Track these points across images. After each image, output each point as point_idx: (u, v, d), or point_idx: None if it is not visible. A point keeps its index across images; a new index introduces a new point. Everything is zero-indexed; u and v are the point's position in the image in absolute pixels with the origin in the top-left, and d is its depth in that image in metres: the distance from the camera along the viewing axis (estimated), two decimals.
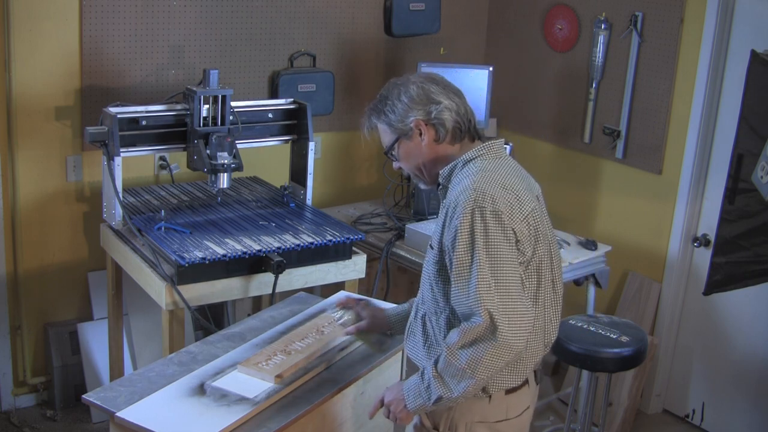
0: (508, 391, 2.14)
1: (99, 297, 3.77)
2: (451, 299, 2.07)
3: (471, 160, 2.15)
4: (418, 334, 2.23)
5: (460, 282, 2.02)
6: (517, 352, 2.00)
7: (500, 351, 1.98)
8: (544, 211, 2.19)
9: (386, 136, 2.23)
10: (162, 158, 3.82)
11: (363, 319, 2.58)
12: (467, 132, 2.19)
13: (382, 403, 2.21)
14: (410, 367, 2.35)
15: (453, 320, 2.11)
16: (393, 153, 2.23)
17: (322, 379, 2.36)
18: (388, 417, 2.19)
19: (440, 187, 2.22)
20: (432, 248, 2.14)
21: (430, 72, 2.30)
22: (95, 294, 3.79)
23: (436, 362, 2.06)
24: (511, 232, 2.02)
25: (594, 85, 4.19)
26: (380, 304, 2.81)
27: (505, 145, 2.25)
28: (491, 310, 1.97)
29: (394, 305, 2.61)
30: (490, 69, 4.09)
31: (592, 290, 3.81)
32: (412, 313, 2.30)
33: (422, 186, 2.30)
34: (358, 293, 3.14)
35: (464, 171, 2.13)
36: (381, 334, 2.59)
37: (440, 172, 2.19)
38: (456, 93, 2.20)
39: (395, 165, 2.27)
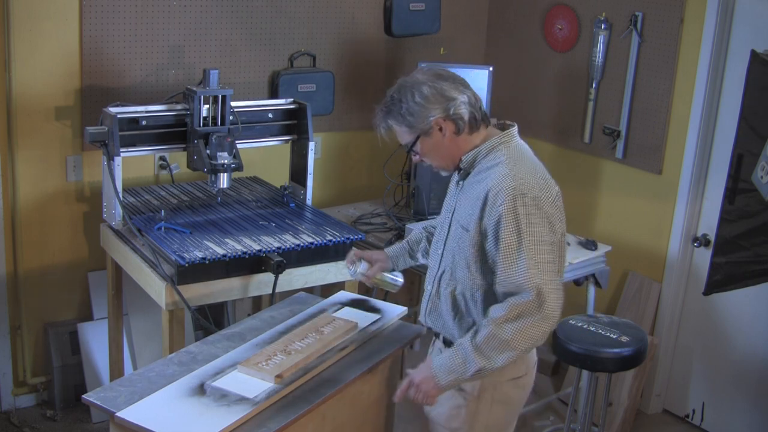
0: None
1: (99, 297, 3.77)
2: (498, 279, 2.22)
3: (494, 147, 2.31)
4: (445, 308, 2.39)
5: (507, 263, 2.19)
6: (556, 322, 2.21)
7: (544, 323, 2.18)
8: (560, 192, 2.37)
9: (405, 136, 2.34)
10: (162, 158, 3.82)
11: (374, 264, 2.69)
12: (482, 120, 2.33)
13: (409, 385, 2.30)
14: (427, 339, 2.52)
15: (488, 294, 2.29)
16: (414, 149, 2.35)
17: (322, 379, 2.36)
18: (415, 397, 2.29)
19: (460, 171, 2.37)
20: (467, 230, 2.29)
21: (433, 67, 2.40)
22: (95, 294, 3.79)
23: (473, 336, 2.20)
24: (545, 215, 2.22)
25: (594, 85, 4.19)
26: (379, 304, 2.83)
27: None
28: (540, 287, 2.16)
29: (391, 247, 2.76)
30: (490, 69, 4.09)
31: (592, 290, 3.81)
32: (431, 289, 2.45)
33: (443, 173, 2.44)
34: (358, 293, 3.14)
35: (490, 158, 2.30)
36: (393, 274, 2.72)
37: (462, 158, 2.33)
38: (464, 84, 2.33)
39: (416, 158, 2.40)
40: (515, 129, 2.37)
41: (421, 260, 2.73)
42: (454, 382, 2.25)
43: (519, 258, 2.18)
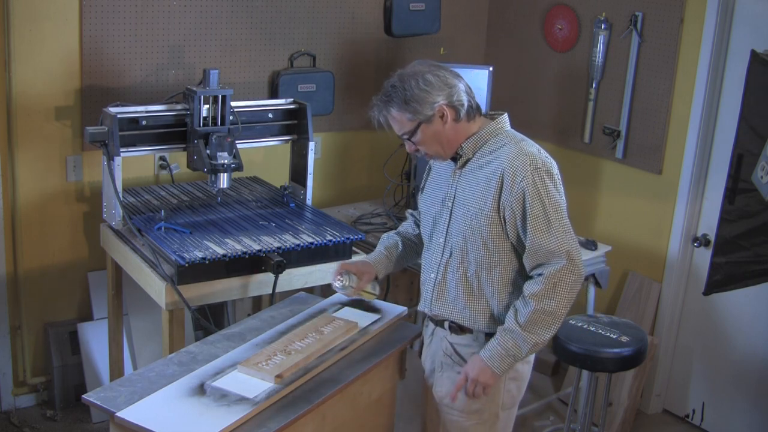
0: None
1: (99, 297, 3.77)
2: (529, 250, 2.33)
3: (495, 132, 2.42)
4: (454, 292, 2.46)
5: (538, 234, 2.31)
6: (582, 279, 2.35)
7: (578, 283, 2.33)
8: None
9: (406, 125, 2.39)
10: (162, 158, 3.82)
11: (362, 276, 2.69)
12: (476, 109, 2.43)
13: (466, 381, 2.39)
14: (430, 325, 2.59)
15: (506, 272, 2.40)
16: (413, 138, 2.40)
17: (322, 379, 2.36)
18: (475, 392, 2.39)
19: (458, 159, 2.44)
20: (481, 210, 2.37)
21: (426, 60, 2.49)
22: (95, 294, 3.79)
23: (515, 317, 2.33)
24: (559, 184, 2.38)
25: (594, 85, 4.19)
26: (379, 304, 2.83)
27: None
28: (570, 251, 2.31)
29: (375, 255, 2.75)
30: (490, 69, 4.09)
31: (592, 290, 3.81)
32: (436, 276, 2.50)
33: (438, 162, 2.52)
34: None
35: (493, 142, 2.41)
36: (372, 284, 2.75)
37: (462, 146, 2.41)
38: (458, 76, 2.42)
39: (410, 148, 2.45)
40: (506, 116, 2.47)
41: (397, 268, 2.77)
42: (510, 365, 2.37)
43: (549, 228, 2.30)
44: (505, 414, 2.53)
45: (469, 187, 2.42)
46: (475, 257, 2.41)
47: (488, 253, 2.39)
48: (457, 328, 2.48)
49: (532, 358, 2.53)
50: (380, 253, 2.74)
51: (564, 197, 2.40)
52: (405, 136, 2.42)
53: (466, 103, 2.38)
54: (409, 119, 2.37)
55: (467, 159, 2.43)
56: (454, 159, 2.46)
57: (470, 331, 2.47)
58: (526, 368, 2.53)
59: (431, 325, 2.59)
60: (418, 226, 2.73)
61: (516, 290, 2.42)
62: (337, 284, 2.69)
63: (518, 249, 2.39)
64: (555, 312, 2.31)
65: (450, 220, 2.47)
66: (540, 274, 2.33)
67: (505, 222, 2.35)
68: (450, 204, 2.47)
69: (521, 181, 2.31)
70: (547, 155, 2.41)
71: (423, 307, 2.58)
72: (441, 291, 2.50)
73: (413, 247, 2.75)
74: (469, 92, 2.41)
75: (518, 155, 2.34)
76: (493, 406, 2.48)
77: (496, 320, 2.43)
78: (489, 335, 2.42)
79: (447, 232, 2.47)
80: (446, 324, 2.51)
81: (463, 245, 2.42)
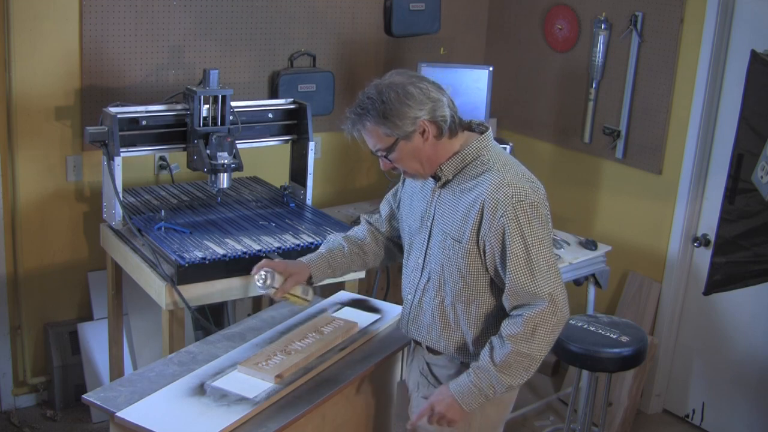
0: None
1: (99, 297, 3.77)
2: (509, 290, 2.17)
3: (478, 154, 2.23)
4: (430, 319, 2.33)
5: (517, 272, 2.15)
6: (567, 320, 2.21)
7: (560, 326, 2.17)
8: None
9: (381, 139, 2.19)
10: (162, 158, 3.82)
11: (288, 279, 2.44)
12: (459, 125, 2.24)
13: (431, 412, 2.25)
14: (415, 352, 2.46)
15: (485, 305, 2.25)
16: (389, 156, 2.22)
17: (322, 379, 2.36)
18: (437, 423, 2.25)
19: (439, 179, 2.27)
20: (458, 242, 2.22)
21: (405, 70, 2.28)
22: (95, 294, 3.79)
23: (490, 356, 2.17)
24: (544, 217, 2.19)
25: (594, 85, 4.19)
26: (379, 304, 2.82)
27: (504, 146, 2.27)
28: (552, 293, 2.15)
29: (313, 256, 2.53)
30: (490, 69, 4.09)
31: (592, 290, 3.81)
32: (413, 299, 2.38)
33: (417, 181, 2.33)
34: (358, 293, 3.14)
35: (476, 165, 2.22)
36: (303, 289, 2.50)
37: (441, 167, 2.24)
38: (441, 88, 2.23)
39: (385, 165, 2.26)
40: (490, 132, 2.29)
41: (345, 273, 2.60)
42: (481, 404, 2.22)
43: (530, 268, 2.14)
44: None
45: (448, 212, 2.26)
46: (452, 288, 2.27)
47: (466, 287, 2.25)
48: (436, 351, 2.37)
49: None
50: (320, 254, 2.54)
51: (549, 226, 2.22)
52: (381, 153, 2.22)
53: (449, 119, 2.19)
54: (386, 134, 2.17)
55: (446, 180, 2.26)
56: (435, 177, 2.29)
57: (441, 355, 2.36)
58: (508, 394, 2.35)
59: (412, 342, 2.49)
60: (374, 234, 2.58)
61: (494, 324, 2.26)
62: (258, 282, 2.43)
63: (497, 283, 2.24)
64: (532, 355, 2.15)
65: (429, 241, 2.32)
66: (520, 315, 2.16)
67: (484, 255, 2.20)
68: (429, 223, 2.32)
69: (501, 216, 2.13)
70: (531, 179, 2.23)
71: (400, 325, 2.47)
72: (417, 315, 2.37)
73: (360, 254, 2.56)
74: (452, 106, 2.22)
75: (500, 186, 2.15)
76: (470, 430, 2.35)
77: (471, 353, 2.30)
78: (464, 363, 2.31)
79: (426, 253, 2.33)
80: (423, 344, 2.40)
81: (440, 274, 2.29)
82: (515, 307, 2.19)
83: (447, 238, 2.25)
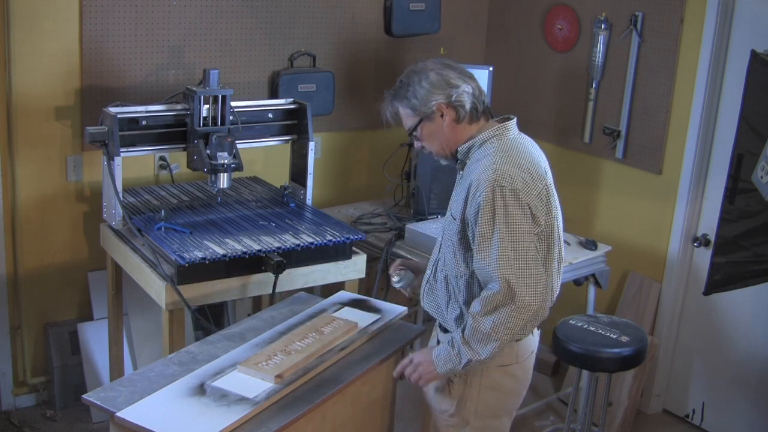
0: (517, 340, 2.43)
1: (99, 297, 3.77)
2: (474, 267, 2.32)
3: (488, 140, 2.37)
4: (440, 292, 2.49)
5: (481, 252, 2.27)
6: (534, 311, 2.27)
7: (519, 313, 2.24)
8: (552, 184, 2.42)
9: (408, 119, 2.43)
10: (162, 158, 3.82)
11: (418, 275, 2.71)
12: (483, 113, 2.41)
13: (409, 363, 2.43)
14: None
15: (471, 283, 2.38)
16: (416, 134, 2.44)
17: (322, 379, 2.36)
18: (411, 375, 2.42)
19: (458, 161, 2.44)
20: (454, 219, 2.38)
21: (444, 59, 2.48)
22: (95, 294, 3.79)
23: (463, 330, 2.31)
24: (527, 206, 2.26)
25: (594, 85, 4.19)
26: (379, 304, 2.83)
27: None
28: (509, 278, 2.23)
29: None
30: (490, 69, 4.09)
31: (592, 290, 3.81)
32: (429, 273, 2.56)
33: (443, 162, 2.50)
34: (358, 293, 3.14)
35: (482, 150, 2.36)
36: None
37: (459, 149, 2.41)
38: (470, 76, 2.41)
39: (417, 145, 2.48)
40: (512, 122, 2.42)
41: None
42: (450, 371, 2.36)
43: (491, 248, 2.25)
44: (480, 423, 2.48)
45: (456, 194, 2.44)
46: (449, 263, 2.43)
47: (456, 262, 2.40)
48: (444, 329, 2.52)
49: (518, 372, 2.47)
50: None
51: (539, 219, 2.27)
52: (408, 133, 2.46)
53: (467, 105, 2.36)
54: (410, 115, 2.41)
55: (464, 164, 2.43)
56: (456, 159, 2.47)
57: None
58: (507, 380, 2.46)
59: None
60: None
61: None
62: (394, 279, 2.72)
63: None
64: (490, 335, 2.25)
65: (446, 221, 2.50)
66: (482, 295, 2.29)
67: (468, 234, 2.35)
68: (451, 204, 2.50)
69: (479, 195, 2.26)
70: (530, 172, 2.29)
71: (421, 300, 2.63)
72: (431, 288, 2.54)
73: None
74: (477, 95, 2.38)
75: (486, 169, 2.27)
76: (462, 411, 2.47)
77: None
78: None
79: (443, 233, 2.52)
80: (437, 323, 2.57)
81: (443, 249, 2.47)
82: (483, 284, 2.32)
83: (449, 216, 2.44)
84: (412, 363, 2.42)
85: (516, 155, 2.33)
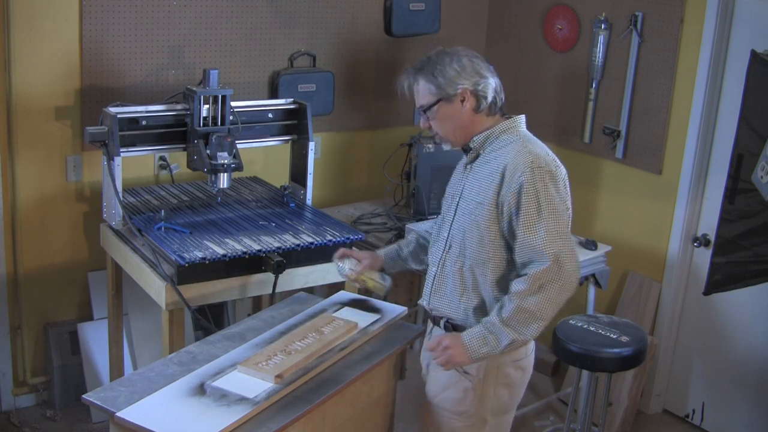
0: None
1: (99, 297, 3.77)
2: (517, 246, 2.33)
3: (505, 131, 2.43)
4: (450, 286, 2.47)
5: (527, 230, 2.30)
6: (575, 288, 2.32)
7: (565, 288, 2.29)
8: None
9: (427, 96, 2.42)
10: (162, 158, 3.82)
11: (363, 261, 2.71)
12: (500, 109, 2.47)
13: (438, 344, 2.38)
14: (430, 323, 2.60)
15: (497, 271, 2.39)
16: (428, 113, 2.42)
17: (322, 379, 2.36)
18: (438, 359, 2.38)
19: (469, 152, 2.47)
20: (481, 204, 2.38)
21: (472, 49, 2.50)
22: (95, 294, 3.79)
23: (499, 312, 2.31)
24: (562, 190, 2.37)
25: (594, 85, 4.19)
26: (379, 304, 2.83)
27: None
28: (557, 253, 2.28)
29: (382, 249, 2.80)
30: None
31: (592, 290, 3.81)
32: (436, 270, 2.52)
33: (446, 147, 2.52)
34: (358, 293, 3.14)
35: (501, 140, 2.42)
36: (380, 275, 2.73)
37: (473, 138, 2.44)
38: (494, 73, 2.46)
39: (424, 123, 2.46)
40: (523, 118, 2.50)
41: (411, 264, 2.78)
42: (485, 355, 2.35)
43: (539, 225, 2.29)
44: (495, 420, 2.50)
45: (474, 183, 2.43)
46: (471, 252, 2.41)
47: (483, 248, 2.39)
48: (452, 327, 2.49)
49: (527, 364, 2.51)
50: (392, 248, 2.78)
51: (568, 204, 2.40)
52: (422, 109, 2.43)
53: (489, 98, 2.41)
54: (431, 92, 2.40)
55: (477, 154, 2.45)
56: (466, 152, 2.49)
57: (463, 330, 2.45)
58: (518, 374, 2.50)
59: (430, 324, 2.60)
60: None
61: (506, 288, 2.40)
62: (339, 265, 2.73)
63: (510, 244, 2.38)
64: (536, 313, 2.28)
65: (455, 215, 2.48)
66: (526, 273, 2.31)
67: (502, 217, 2.36)
68: (458, 200, 2.49)
69: (520, 176, 2.31)
70: (556, 159, 2.42)
71: (422, 300, 2.60)
72: (439, 285, 2.52)
73: (423, 250, 2.75)
74: (498, 90, 2.44)
75: (522, 152, 2.35)
76: (481, 410, 2.47)
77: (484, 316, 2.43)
78: None
79: (450, 226, 2.49)
80: (442, 323, 2.52)
81: (462, 239, 2.44)
82: (523, 266, 2.33)
83: (470, 204, 2.42)
84: (440, 345, 2.38)
85: (541, 145, 2.43)
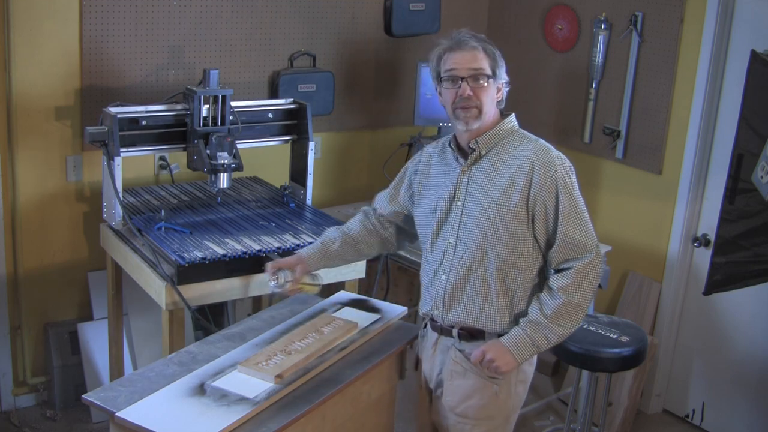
0: None
1: (99, 297, 3.77)
2: (559, 243, 2.36)
3: (511, 132, 2.48)
4: (471, 293, 2.42)
5: (570, 227, 2.35)
6: None
7: (599, 276, 2.41)
8: None
9: (485, 65, 2.42)
10: (162, 158, 3.82)
11: (297, 269, 2.65)
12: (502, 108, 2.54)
13: (482, 356, 2.37)
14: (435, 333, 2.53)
15: (532, 267, 2.41)
16: (482, 80, 2.40)
17: (322, 379, 2.36)
18: (486, 370, 2.38)
19: (471, 152, 2.44)
20: (506, 206, 2.37)
21: None
22: (95, 294, 3.79)
23: (540, 310, 2.35)
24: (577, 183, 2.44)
25: (594, 85, 4.19)
26: (379, 304, 2.83)
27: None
28: (596, 246, 2.39)
29: (309, 248, 2.73)
30: None
31: None
32: (448, 278, 2.45)
33: (459, 127, 2.44)
34: (358, 293, 3.14)
35: (512, 139, 2.46)
36: (311, 276, 2.70)
37: (477, 140, 2.43)
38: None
39: (465, 91, 2.39)
40: (514, 115, 2.53)
41: (349, 259, 2.76)
42: (531, 355, 2.39)
43: (580, 222, 2.37)
44: (512, 417, 2.53)
45: (486, 184, 2.41)
46: (496, 255, 2.37)
47: (514, 250, 2.38)
48: (467, 335, 2.43)
49: (535, 359, 2.51)
50: (314, 246, 2.72)
51: None
52: (472, 72, 2.39)
53: (504, 99, 2.50)
54: (489, 66, 2.41)
55: (479, 155, 2.44)
56: (464, 155, 2.47)
57: (482, 336, 2.42)
58: (530, 370, 2.52)
59: (433, 335, 2.52)
60: (367, 225, 2.71)
61: (535, 288, 2.43)
62: (272, 284, 2.63)
63: (540, 244, 2.39)
64: (581, 304, 2.35)
65: (461, 218, 2.43)
66: (569, 268, 2.36)
67: (534, 217, 2.37)
68: (460, 203, 2.44)
69: (553, 174, 2.35)
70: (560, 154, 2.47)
71: (430, 311, 2.51)
72: (455, 293, 2.44)
73: (353, 245, 2.70)
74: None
75: (546, 150, 2.41)
76: (505, 410, 2.47)
77: (514, 319, 2.41)
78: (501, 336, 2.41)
79: (458, 231, 2.43)
80: (455, 332, 2.45)
81: (481, 243, 2.39)
82: (563, 261, 2.38)
83: (489, 207, 2.39)
84: (486, 358, 2.36)
85: (543, 140, 2.48)
